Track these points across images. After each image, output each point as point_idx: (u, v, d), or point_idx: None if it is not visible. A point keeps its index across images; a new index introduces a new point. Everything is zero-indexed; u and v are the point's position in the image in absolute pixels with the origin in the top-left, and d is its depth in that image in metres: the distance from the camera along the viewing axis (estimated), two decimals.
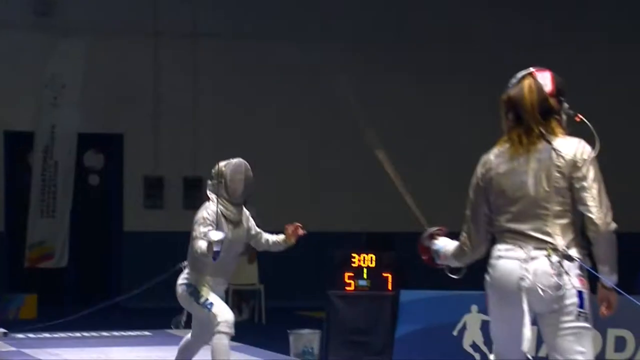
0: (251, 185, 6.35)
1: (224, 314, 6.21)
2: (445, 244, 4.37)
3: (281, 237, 6.51)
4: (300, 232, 6.44)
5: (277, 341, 8.86)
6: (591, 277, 4.11)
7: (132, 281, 7.88)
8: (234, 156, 6.49)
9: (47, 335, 9.64)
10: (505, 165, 4.14)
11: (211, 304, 6.23)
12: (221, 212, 6.24)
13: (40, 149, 13.06)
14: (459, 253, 4.29)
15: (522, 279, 4.01)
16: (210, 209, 6.22)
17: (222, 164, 6.36)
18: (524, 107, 4.10)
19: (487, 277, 4.14)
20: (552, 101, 4.13)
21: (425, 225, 4.44)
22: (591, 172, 4.04)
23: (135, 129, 13.76)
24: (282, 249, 6.57)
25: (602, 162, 4.17)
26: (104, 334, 9.80)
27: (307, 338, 8.56)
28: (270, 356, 8.32)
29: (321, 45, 14.11)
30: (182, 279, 6.38)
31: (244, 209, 6.47)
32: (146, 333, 9.82)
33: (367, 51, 14.28)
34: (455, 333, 8.02)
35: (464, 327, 8.02)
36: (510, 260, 4.06)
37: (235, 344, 6.68)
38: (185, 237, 6.48)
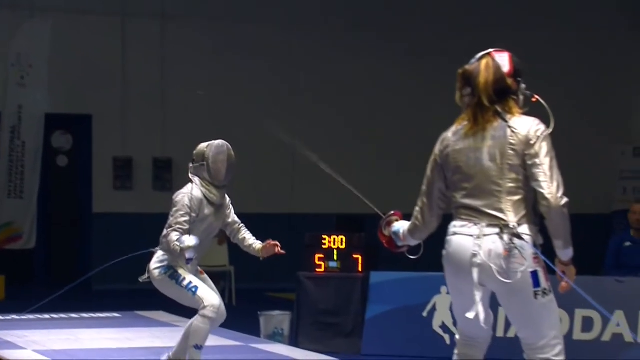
0: (234, 167, 6.20)
1: (210, 298, 6.04)
2: (402, 225, 4.49)
3: (257, 246, 6.34)
4: (278, 251, 6.30)
5: (247, 323, 8.85)
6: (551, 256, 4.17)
7: (101, 263, 7.81)
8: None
9: (15, 317, 9.57)
10: (461, 143, 4.23)
11: (196, 287, 6.04)
12: (204, 194, 6.09)
13: (7, 129, 12.93)
14: (413, 228, 4.42)
15: (474, 254, 4.11)
16: (192, 194, 6.02)
17: (203, 145, 6.17)
18: (478, 82, 4.18)
19: (444, 252, 4.26)
20: (510, 81, 4.23)
21: (380, 213, 4.56)
22: (544, 149, 4.12)
23: (104, 110, 13.67)
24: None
25: (561, 145, 4.23)
26: (73, 315, 9.75)
27: (278, 319, 8.56)
28: (241, 338, 8.30)
29: (291, 26, 14.06)
30: (157, 262, 6.13)
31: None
32: (115, 315, 9.78)
33: (338, 32, 14.24)
34: (425, 314, 8.06)
35: (433, 308, 8.06)
36: (464, 237, 4.17)
37: None
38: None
